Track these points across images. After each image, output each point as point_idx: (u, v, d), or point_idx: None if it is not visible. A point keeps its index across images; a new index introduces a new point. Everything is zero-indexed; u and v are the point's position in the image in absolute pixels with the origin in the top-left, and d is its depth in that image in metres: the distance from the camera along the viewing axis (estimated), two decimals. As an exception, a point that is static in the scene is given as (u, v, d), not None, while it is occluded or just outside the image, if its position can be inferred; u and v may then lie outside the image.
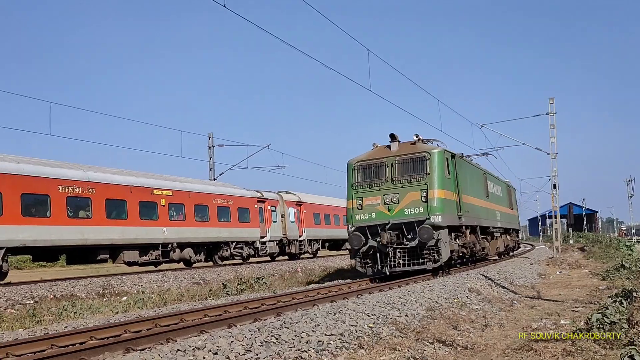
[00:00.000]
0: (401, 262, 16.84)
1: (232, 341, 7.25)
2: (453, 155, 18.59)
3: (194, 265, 27.05)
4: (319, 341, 7.74)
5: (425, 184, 16.87)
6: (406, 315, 10.02)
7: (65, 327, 10.50)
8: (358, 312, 9.64)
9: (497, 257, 27.53)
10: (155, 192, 24.27)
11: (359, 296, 12.61)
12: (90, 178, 21.31)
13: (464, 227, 18.81)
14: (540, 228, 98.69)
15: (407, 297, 11.69)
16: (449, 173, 17.69)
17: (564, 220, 73.47)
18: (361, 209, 17.35)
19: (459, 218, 18.14)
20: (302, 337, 7.76)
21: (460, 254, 19.01)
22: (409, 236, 16.77)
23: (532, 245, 57.94)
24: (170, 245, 24.77)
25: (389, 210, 16.98)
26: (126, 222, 22.51)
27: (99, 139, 47.84)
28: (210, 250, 28.17)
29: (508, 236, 29.85)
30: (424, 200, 16.72)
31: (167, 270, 24.89)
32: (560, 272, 23.50)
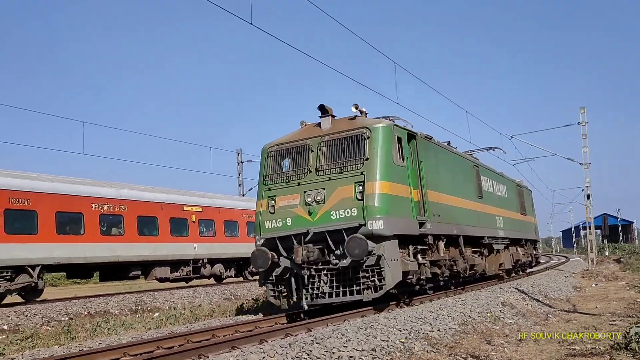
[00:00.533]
0: (327, 290, 11.97)
1: (263, 357, 7.24)
2: (413, 136, 13.58)
3: (224, 281, 27.20)
4: (350, 357, 7.69)
5: (362, 173, 11.94)
6: (438, 330, 9.89)
7: (99, 343, 10.63)
8: (389, 327, 9.55)
9: (504, 276, 22.34)
10: (185, 208, 24.54)
11: (389, 311, 12.50)
12: (122, 195, 21.65)
13: (431, 237, 13.64)
14: (574, 240, 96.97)
15: (439, 311, 11.55)
16: (402, 159, 12.80)
17: (599, 231, 72.13)
18: (273, 212, 12.55)
19: (421, 224, 13.09)
20: (333, 353, 7.71)
21: (429, 276, 13.70)
22: (338, 252, 11.80)
23: (566, 257, 56.96)
24: (200, 261, 24.98)
25: (310, 213, 12.10)
26: (157, 239, 22.78)
27: (129, 157, 48.77)
28: (241, 266, 28.29)
29: (519, 249, 24.11)
30: (360, 197, 11.82)
31: (198, 286, 25.07)
32: (596, 284, 22.99)
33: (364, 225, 11.61)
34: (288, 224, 12.31)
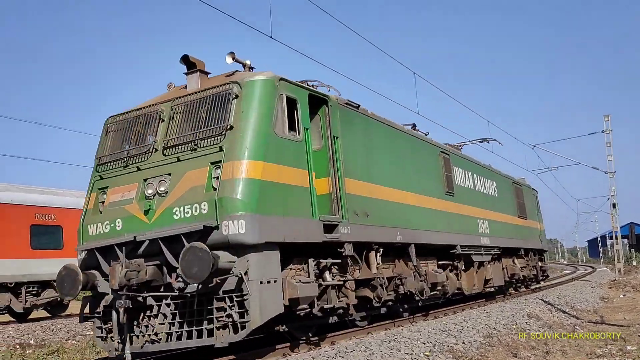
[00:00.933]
0: (166, 331, 8.03)
1: (286, 371, 7.14)
2: (322, 100, 9.72)
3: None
4: (374, 370, 7.59)
5: (221, 148, 8.07)
6: (463, 343, 9.78)
7: (124, 357, 10.68)
8: (413, 339, 9.47)
9: (499, 292, 19.44)
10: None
11: (413, 323, 12.40)
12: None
13: (350, 247, 9.49)
14: (600, 249, 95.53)
15: (464, 323, 11.43)
16: (297, 131, 8.89)
17: (626, 240, 70.91)
18: (102, 212, 8.89)
19: (332, 228, 9.13)
20: (357, 366, 7.65)
21: (353, 302, 9.97)
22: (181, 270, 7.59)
23: (592, 267, 56.17)
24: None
25: (146, 212, 8.34)
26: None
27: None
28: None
29: (517, 260, 19.87)
30: (216, 186, 7.95)
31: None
32: (624, 295, 22.57)
33: (216, 228, 7.69)
34: (117, 228, 8.54)
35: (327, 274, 9.26)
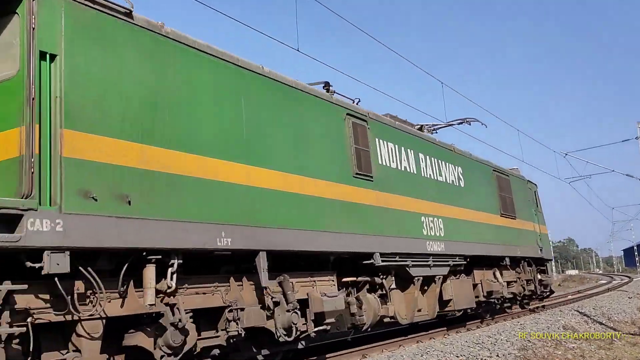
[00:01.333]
0: None
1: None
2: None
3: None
4: (407, 384, 7.49)
5: None
6: (497, 356, 9.64)
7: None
8: (446, 352, 9.36)
9: (474, 317, 15.83)
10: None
11: (446, 336, 12.25)
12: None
13: (53, 259, 4.95)
14: (637, 258, 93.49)
15: (497, 336, 11.26)
16: None
17: (663, 249, 69.30)
18: None
19: (8, 222, 4.75)
20: (389, 380, 7.56)
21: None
22: None
23: (629, 277, 55.10)
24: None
25: None
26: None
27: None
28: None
29: (500, 272, 15.29)
30: None
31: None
32: (663, 305, 22.00)
33: None
34: None
35: None
